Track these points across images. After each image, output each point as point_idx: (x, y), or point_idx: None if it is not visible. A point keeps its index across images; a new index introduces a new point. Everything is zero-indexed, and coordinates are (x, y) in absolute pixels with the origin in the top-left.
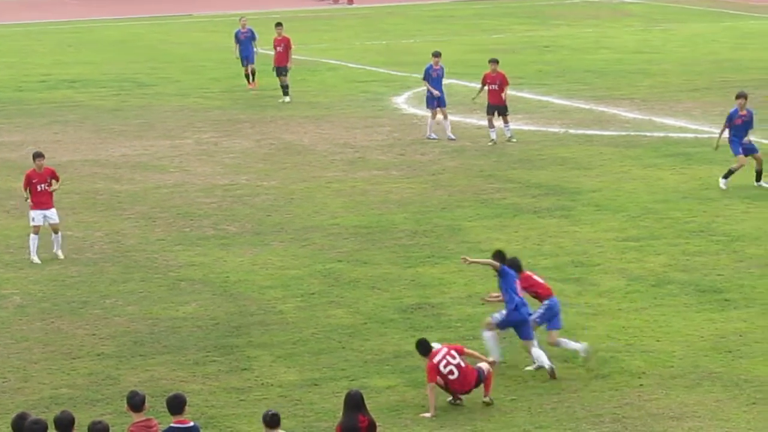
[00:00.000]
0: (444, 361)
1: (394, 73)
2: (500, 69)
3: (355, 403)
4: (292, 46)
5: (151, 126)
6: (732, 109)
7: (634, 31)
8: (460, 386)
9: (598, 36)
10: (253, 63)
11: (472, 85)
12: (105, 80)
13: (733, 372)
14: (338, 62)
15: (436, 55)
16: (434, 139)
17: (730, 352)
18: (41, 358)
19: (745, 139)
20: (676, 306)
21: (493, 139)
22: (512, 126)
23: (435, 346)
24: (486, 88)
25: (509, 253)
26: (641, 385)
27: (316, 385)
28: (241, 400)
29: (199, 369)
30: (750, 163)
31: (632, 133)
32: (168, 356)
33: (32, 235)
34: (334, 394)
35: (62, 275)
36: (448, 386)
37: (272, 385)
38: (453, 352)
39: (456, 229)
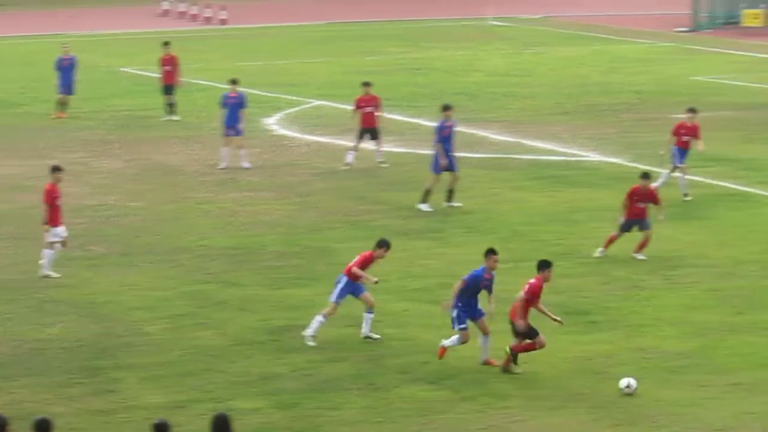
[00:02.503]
0: None
1: (266, 94)
2: (373, 92)
3: (221, 425)
4: (180, 64)
5: (19, 146)
6: (439, 122)
7: (505, 54)
8: None
9: (469, 59)
10: (71, 93)
11: (344, 106)
12: None
13: (599, 393)
14: (210, 83)
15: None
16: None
17: (596, 373)
18: None
19: (451, 153)
20: (542, 328)
21: (348, 163)
22: (382, 148)
23: None
24: (359, 111)
25: (380, 275)
26: (507, 406)
27: (182, 407)
28: (106, 423)
29: (63, 391)
30: (449, 180)
31: (502, 156)
32: (32, 378)
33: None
34: (201, 416)
35: None
36: None
37: (138, 407)
38: None
39: (325, 250)
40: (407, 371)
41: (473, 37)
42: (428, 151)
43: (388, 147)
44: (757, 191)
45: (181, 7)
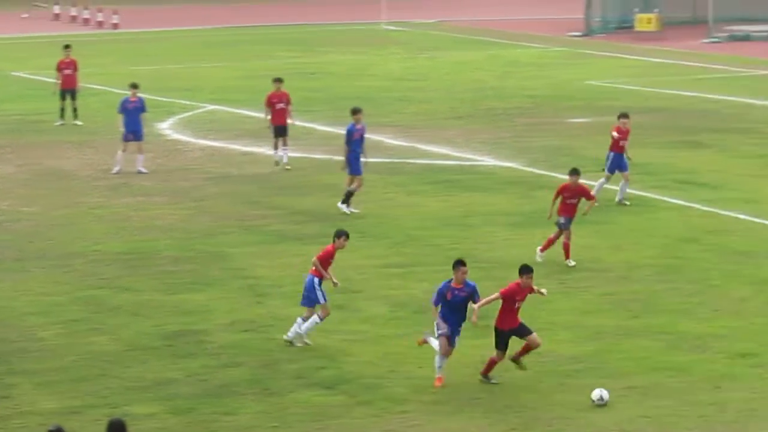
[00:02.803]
0: None
1: (160, 98)
2: (284, 88)
3: (117, 431)
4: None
5: None
6: (349, 125)
7: (400, 58)
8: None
9: (364, 63)
10: None
11: (238, 111)
12: None
13: (495, 398)
14: (103, 87)
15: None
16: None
17: (491, 378)
18: None
19: (360, 157)
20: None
21: (277, 161)
22: (278, 152)
23: None
24: (270, 108)
25: (274, 281)
26: (404, 411)
27: (76, 412)
28: (1, 429)
29: None
30: (355, 182)
31: (396, 160)
32: None
33: None
34: (96, 421)
35: None
36: None
37: (32, 413)
38: None
39: (219, 255)
40: (303, 376)
41: (367, 42)
42: (322, 156)
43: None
44: (652, 195)
45: (73, 11)
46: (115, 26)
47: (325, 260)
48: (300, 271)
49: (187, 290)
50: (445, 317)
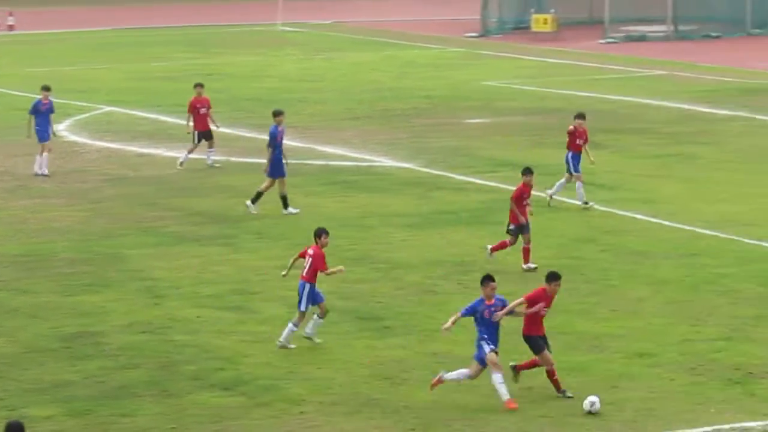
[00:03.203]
0: None
1: (56, 100)
2: (205, 93)
3: None
4: None
5: None
6: (272, 127)
7: (297, 59)
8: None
9: (261, 64)
10: None
11: (135, 112)
12: None
13: (393, 398)
14: None
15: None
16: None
17: (389, 378)
18: None
19: (284, 160)
20: (336, 333)
21: (181, 162)
22: (173, 154)
23: None
24: (193, 113)
25: (172, 283)
26: (302, 412)
27: None
28: None
29: None
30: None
31: (294, 162)
32: None
33: None
34: None
35: None
36: None
37: None
38: None
39: (117, 257)
40: (200, 378)
41: (264, 43)
42: (220, 158)
43: (179, 152)
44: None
45: None
46: (11, 28)
47: (322, 263)
48: (197, 272)
49: (85, 292)
50: (488, 338)
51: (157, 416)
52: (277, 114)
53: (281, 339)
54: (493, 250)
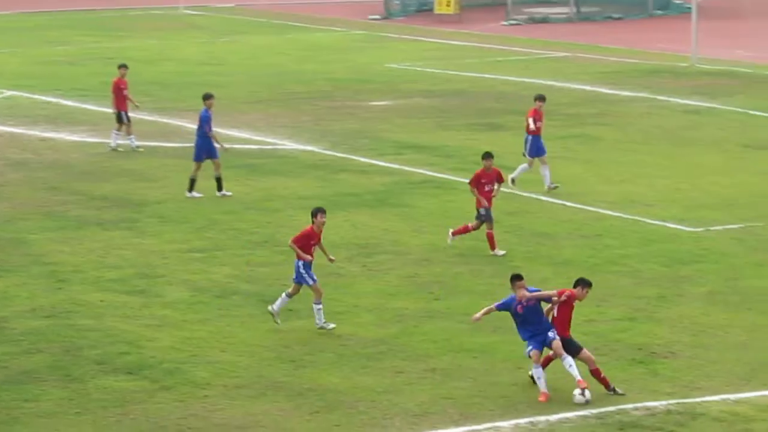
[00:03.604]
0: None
1: None
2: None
3: None
4: None
5: None
6: (202, 111)
7: (200, 43)
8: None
9: (163, 48)
10: None
11: (36, 96)
12: None
13: (297, 381)
14: None
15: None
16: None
17: (293, 361)
18: None
19: (217, 145)
20: (240, 316)
21: (137, 147)
22: (75, 138)
23: None
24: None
25: (75, 267)
26: (206, 395)
27: None
28: None
29: None
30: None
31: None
32: None
33: None
34: None
35: None
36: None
37: None
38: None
39: (20, 241)
40: (104, 362)
41: (167, 27)
42: (123, 141)
43: (81, 137)
44: (452, 178)
45: None
46: None
47: (302, 242)
48: (100, 257)
49: None
50: (531, 335)
51: (61, 401)
52: (207, 97)
53: (273, 308)
54: (454, 234)
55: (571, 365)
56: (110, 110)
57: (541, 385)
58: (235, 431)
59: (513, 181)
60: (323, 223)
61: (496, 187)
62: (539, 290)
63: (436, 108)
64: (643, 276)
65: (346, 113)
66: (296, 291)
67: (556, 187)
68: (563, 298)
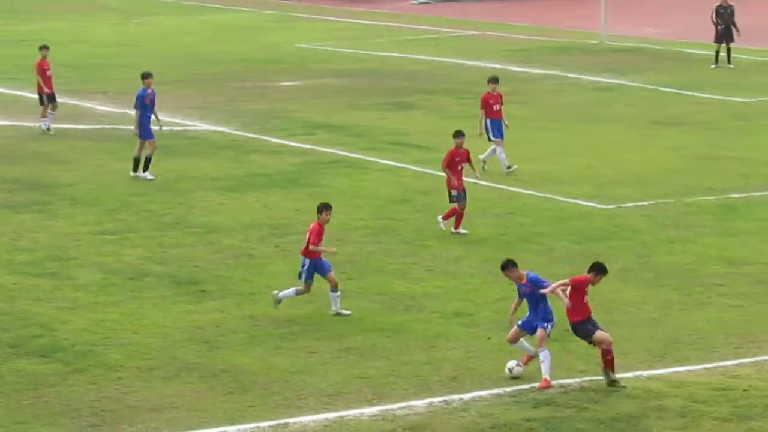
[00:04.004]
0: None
1: None
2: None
3: None
4: None
5: None
6: (140, 89)
7: (112, 24)
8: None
9: (74, 29)
10: None
11: None
12: None
13: (210, 362)
14: None
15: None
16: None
17: (207, 342)
18: None
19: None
20: (153, 298)
21: (48, 128)
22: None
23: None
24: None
25: None
26: (119, 378)
27: None
28: None
29: None
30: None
31: (107, 127)
32: None
33: None
34: None
35: None
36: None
37: None
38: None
39: None
40: (17, 345)
41: (78, 9)
42: (32, 123)
43: None
44: (363, 157)
45: None
46: None
47: (314, 238)
48: (12, 240)
49: None
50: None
51: None
52: (145, 77)
53: (279, 294)
54: (444, 218)
55: (543, 361)
56: (21, 93)
57: (544, 369)
58: (149, 413)
59: (509, 168)
60: (328, 220)
61: (471, 166)
62: (543, 280)
63: (346, 88)
64: (556, 254)
65: (257, 94)
66: (308, 290)
67: (511, 169)
68: (567, 288)
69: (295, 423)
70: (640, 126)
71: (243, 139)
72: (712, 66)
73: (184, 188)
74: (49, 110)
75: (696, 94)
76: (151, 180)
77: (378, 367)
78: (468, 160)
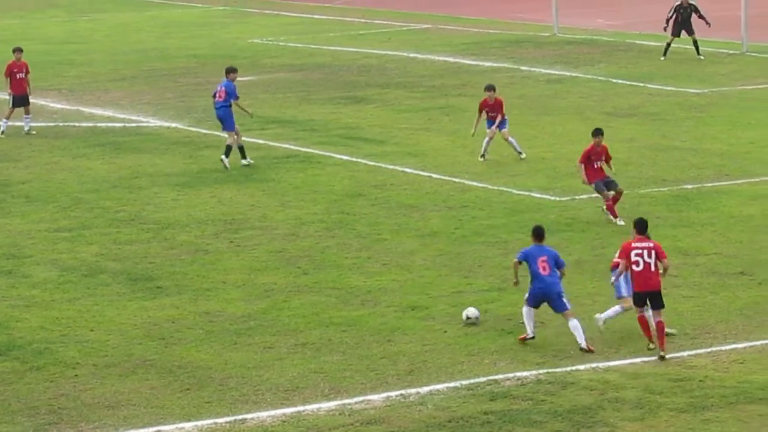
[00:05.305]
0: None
1: None
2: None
3: None
4: None
5: None
6: (225, 83)
7: (61, 21)
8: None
9: (23, 27)
10: None
11: None
12: None
13: (167, 359)
14: None
15: None
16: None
17: (163, 339)
18: None
19: None
20: (109, 295)
21: (3, 132)
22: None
23: None
24: (10, 78)
25: None
26: (76, 375)
27: None
28: None
29: None
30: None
31: (60, 124)
32: None
33: None
34: None
35: None
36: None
37: None
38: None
39: None
40: None
41: (27, 6)
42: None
43: None
44: (316, 151)
45: None
46: None
47: None
48: None
49: None
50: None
51: None
52: (230, 71)
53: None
54: (614, 216)
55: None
56: None
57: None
58: (106, 410)
59: (522, 155)
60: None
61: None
62: (557, 255)
63: (299, 82)
64: (510, 246)
65: (209, 89)
66: None
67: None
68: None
69: (252, 418)
70: (593, 118)
71: (196, 134)
72: (662, 58)
73: (138, 185)
74: (22, 114)
75: (648, 85)
76: (227, 168)
77: (334, 361)
78: (607, 159)
